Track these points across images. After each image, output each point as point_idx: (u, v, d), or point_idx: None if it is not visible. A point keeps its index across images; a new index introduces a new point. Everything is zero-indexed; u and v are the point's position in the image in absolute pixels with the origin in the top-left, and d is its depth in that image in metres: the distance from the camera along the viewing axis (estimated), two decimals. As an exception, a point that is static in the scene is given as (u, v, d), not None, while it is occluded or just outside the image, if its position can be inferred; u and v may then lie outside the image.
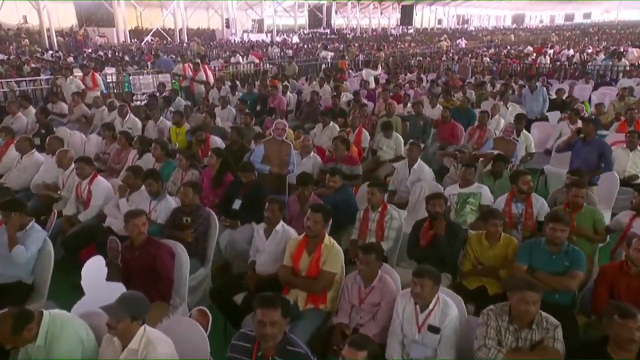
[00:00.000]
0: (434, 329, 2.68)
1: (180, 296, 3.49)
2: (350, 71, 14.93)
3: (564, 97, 9.06)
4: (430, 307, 2.70)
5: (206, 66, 10.99)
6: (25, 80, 10.51)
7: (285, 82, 10.94)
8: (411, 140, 5.39)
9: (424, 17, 51.27)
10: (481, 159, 5.55)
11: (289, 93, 10.16)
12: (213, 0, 31.28)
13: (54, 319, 2.53)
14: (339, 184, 4.43)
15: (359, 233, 4.07)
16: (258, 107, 9.30)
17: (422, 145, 7.10)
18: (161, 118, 7.20)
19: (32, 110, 7.97)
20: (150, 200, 4.26)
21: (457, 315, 2.69)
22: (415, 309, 2.74)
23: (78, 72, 10.27)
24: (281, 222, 3.68)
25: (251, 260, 3.77)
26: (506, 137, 6.15)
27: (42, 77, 11.00)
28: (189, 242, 3.85)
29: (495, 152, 5.58)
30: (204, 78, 10.57)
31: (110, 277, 3.13)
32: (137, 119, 7.33)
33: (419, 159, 5.16)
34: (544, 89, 8.71)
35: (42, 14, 24.33)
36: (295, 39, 30.83)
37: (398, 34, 39.15)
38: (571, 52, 18.01)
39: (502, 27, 50.20)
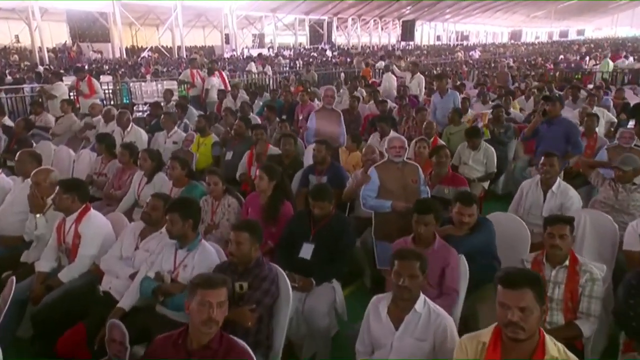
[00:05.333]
0: None
1: None
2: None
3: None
4: None
5: (221, 72, 9.43)
6: (4, 89, 8.88)
7: (310, 89, 9.41)
8: (547, 151, 3.76)
9: (424, 33, 50.80)
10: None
11: (316, 101, 8.64)
12: (214, 2, 30.08)
13: None
14: (475, 219, 2.81)
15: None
16: (284, 117, 7.76)
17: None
18: (175, 128, 5.58)
19: (8, 122, 6.36)
20: (176, 250, 2.63)
21: None
22: None
23: (69, 82, 8.72)
24: (422, 297, 2.05)
25: (363, 362, 2.14)
26: (624, 144, 4.71)
27: (26, 86, 9.39)
28: (249, 326, 2.22)
29: None
30: (216, 84, 8.98)
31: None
32: (141, 130, 5.72)
33: (559, 179, 3.56)
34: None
35: (33, 33, 22.96)
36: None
37: (399, 48, 38.36)
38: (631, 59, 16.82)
39: (509, 42, 49.67)
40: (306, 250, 2.96)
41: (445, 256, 2.53)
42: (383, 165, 3.67)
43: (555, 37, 61.67)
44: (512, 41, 52.12)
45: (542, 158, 3.53)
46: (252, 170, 4.69)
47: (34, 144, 5.46)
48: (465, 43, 49.83)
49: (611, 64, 13.82)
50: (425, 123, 5.27)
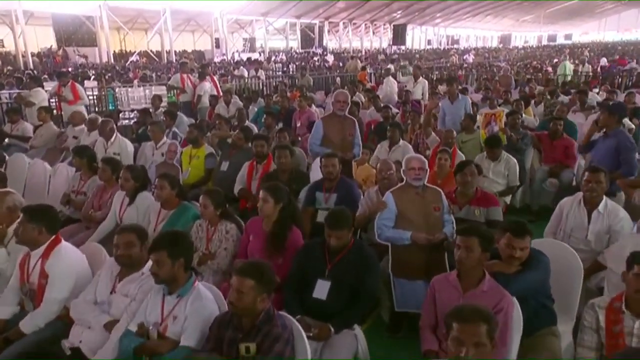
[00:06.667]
0: None
1: None
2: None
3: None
4: None
5: (213, 77, 8.91)
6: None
7: (306, 94, 8.91)
8: (592, 164, 3.32)
9: (415, 37, 50.84)
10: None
11: (314, 107, 8.17)
12: (204, 5, 29.61)
13: None
14: (528, 253, 2.33)
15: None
16: (280, 124, 7.27)
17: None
18: (164, 139, 5.07)
19: (-21, 132, 5.82)
20: (164, 296, 2.13)
21: None
22: None
23: (50, 87, 8.17)
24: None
25: None
26: (656, 156, 4.31)
27: (4, 92, 8.80)
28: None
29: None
30: (208, 89, 8.45)
31: None
32: (126, 140, 5.20)
33: (605, 197, 3.11)
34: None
35: (17, 38, 22.22)
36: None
37: (389, 52, 38.22)
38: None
39: (499, 46, 49.88)
40: (321, 289, 2.48)
41: (498, 300, 2.06)
42: (400, 189, 3.17)
43: (544, 41, 62.29)
44: (501, 45, 52.46)
45: (586, 173, 3.09)
46: (252, 184, 4.22)
47: (7, 157, 4.95)
48: (455, 47, 50.02)
49: (569, 66, 13.56)
50: (445, 131, 4.80)
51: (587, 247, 3.07)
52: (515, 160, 4.55)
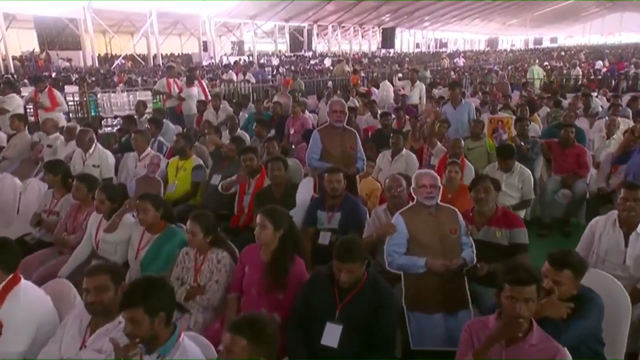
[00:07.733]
0: None
1: None
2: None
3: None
4: None
5: (201, 81, 8.49)
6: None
7: (299, 99, 8.52)
8: (627, 180, 2.99)
9: (404, 41, 50.92)
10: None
11: (307, 113, 7.79)
12: (191, 7, 29.16)
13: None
14: (569, 291, 1.96)
15: None
16: (272, 131, 6.88)
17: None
18: (148, 149, 4.65)
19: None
20: (141, 355, 1.73)
21: None
22: None
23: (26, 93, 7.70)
24: None
25: None
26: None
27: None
28: None
29: None
30: (195, 94, 8.02)
31: None
32: (107, 152, 4.76)
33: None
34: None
35: (-2, 41, 21.64)
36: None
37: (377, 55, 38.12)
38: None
39: (487, 49, 50.19)
40: (331, 334, 2.10)
41: (550, 355, 1.70)
42: (411, 210, 2.81)
43: (530, 45, 62.92)
44: (489, 48, 52.73)
45: (622, 190, 2.76)
46: (244, 199, 3.83)
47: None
48: (444, 50, 50.14)
49: (538, 70, 13.27)
50: (452, 140, 4.46)
51: (625, 273, 2.73)
52: (530, 172, 4.23)
